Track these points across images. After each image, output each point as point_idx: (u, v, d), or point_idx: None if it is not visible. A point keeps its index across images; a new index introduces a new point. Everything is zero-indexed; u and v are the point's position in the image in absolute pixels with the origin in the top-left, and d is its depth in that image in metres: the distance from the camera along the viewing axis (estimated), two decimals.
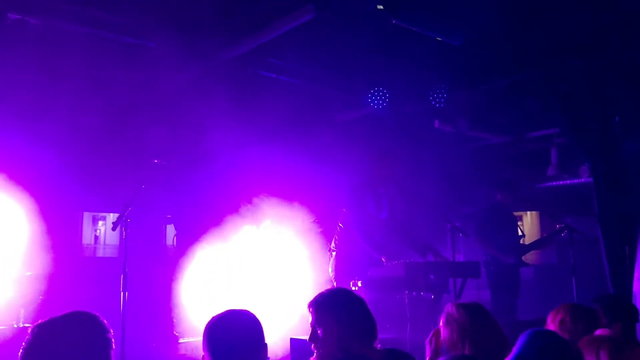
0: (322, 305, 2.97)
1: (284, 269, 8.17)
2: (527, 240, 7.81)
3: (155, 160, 4.88)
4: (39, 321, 2.12)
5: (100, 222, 7.58)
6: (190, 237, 6.83)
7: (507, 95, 7.58)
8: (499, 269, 7.14)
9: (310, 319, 2.97)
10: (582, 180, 8.36)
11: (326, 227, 8.34)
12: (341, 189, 7.17)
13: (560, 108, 7.36)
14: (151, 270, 6.76)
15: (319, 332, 2.91)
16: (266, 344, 2.54)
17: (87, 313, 2.18)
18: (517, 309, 7.13)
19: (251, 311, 2.62)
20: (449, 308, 3.22)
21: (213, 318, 2.56)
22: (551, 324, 3.20)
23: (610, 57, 6.80)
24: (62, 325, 2.10)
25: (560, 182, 8.52)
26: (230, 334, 2.48)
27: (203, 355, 2.50)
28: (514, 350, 2.41)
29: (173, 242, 7.56)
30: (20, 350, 2.03)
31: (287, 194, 8.12)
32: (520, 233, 7.60)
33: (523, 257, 7.39)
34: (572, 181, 8.55)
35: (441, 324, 3.21)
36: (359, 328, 2.89)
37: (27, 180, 6.61)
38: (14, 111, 6.50)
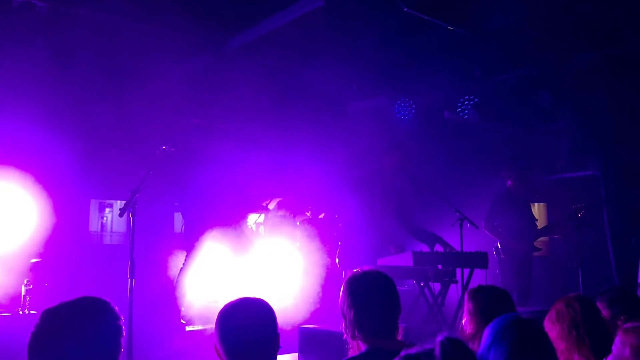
0: (345, 289, 2.88)
1: (288, 259, 8.17)
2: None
3: (163, 147, 4.84)
4: (49, 306, 2.07)
5: (107, 210, 7.56)
6: (198, 225, 6.79)
7: (519, 87, 7.53)
8: (510, 256, 7.13)
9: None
10: (590, 172, 8.31)
11: (329, 218, 8.34)
12: (349, 180, 7.15)
13: (570, 101, 7.33)
14: (158, 258, 6.75)
15: (343, 316, 2.84)
16: (279, 334, 2.50)
17: (97, 299, 2.13)
18: (530, 297, 7.10)
19: (265, 300, 2.57)
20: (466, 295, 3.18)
21: (226, 306, 2.51)
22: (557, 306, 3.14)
23: (622, 50, 6.75)
24: (72, 310, 2.05)
25: (569, 174, 8.48)
26: (243, 323, 2.43)
27: (215, 345, 2.46)
28: (484, 340, 2.31)
29: (181, 229, 7.54)
30: (30, 336, 2.00)
31: (294, 185, 8.11)
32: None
33: (535, 243, 7.39)
34: (580, 173, 8.50)
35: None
36: (374, 317, 2.78)
37: (33, 168, 6.60)
38: (21, 98, 6.47)
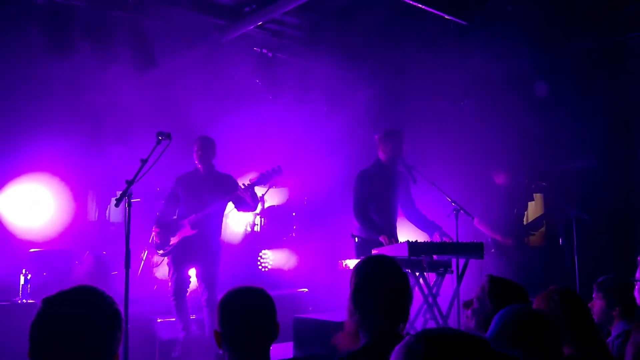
0: (360, 275, 2.70)
1: (287, 246, 8.21)
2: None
3: (160, 137, 4.84)
4: (49, 295, 2.10)
5: None
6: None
7: (514, 77, 7.53)
8: (501, 251, 7.18)
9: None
10: (587, 163, 8.33)
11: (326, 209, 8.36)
12: (347, 169, 7.16)
13: (567, 91, 7.34)
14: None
15: (348, 304, 2.67)
16: (278, 324, 2.55)
17: (95, 288, 2.16)
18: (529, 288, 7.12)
19: (265, 289, 2.60)
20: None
21: (228, 293, 2.56)
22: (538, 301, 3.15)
23: (620, 40, 6.77)
24: (72, 299, 2.07)
25: (565, 165, 8.49)
26: (244, 309, 2.49)
27: (215, 330, 2.52)
28: (491, 328, 2.34)
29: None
30: (31, 324, 2.02)
31: (289, 175, 8.12)
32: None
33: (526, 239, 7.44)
34: (577, 164, 8.52)
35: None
36: (390, 306, 2.63)
37: (34, 158, 6.64)
38: (19, 88, 6.49)
